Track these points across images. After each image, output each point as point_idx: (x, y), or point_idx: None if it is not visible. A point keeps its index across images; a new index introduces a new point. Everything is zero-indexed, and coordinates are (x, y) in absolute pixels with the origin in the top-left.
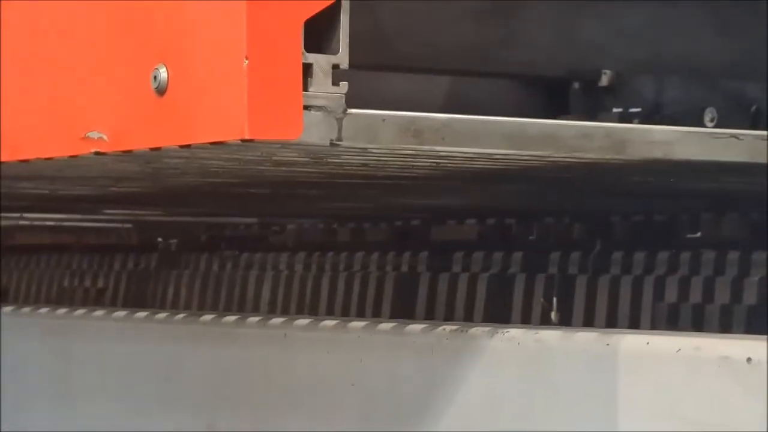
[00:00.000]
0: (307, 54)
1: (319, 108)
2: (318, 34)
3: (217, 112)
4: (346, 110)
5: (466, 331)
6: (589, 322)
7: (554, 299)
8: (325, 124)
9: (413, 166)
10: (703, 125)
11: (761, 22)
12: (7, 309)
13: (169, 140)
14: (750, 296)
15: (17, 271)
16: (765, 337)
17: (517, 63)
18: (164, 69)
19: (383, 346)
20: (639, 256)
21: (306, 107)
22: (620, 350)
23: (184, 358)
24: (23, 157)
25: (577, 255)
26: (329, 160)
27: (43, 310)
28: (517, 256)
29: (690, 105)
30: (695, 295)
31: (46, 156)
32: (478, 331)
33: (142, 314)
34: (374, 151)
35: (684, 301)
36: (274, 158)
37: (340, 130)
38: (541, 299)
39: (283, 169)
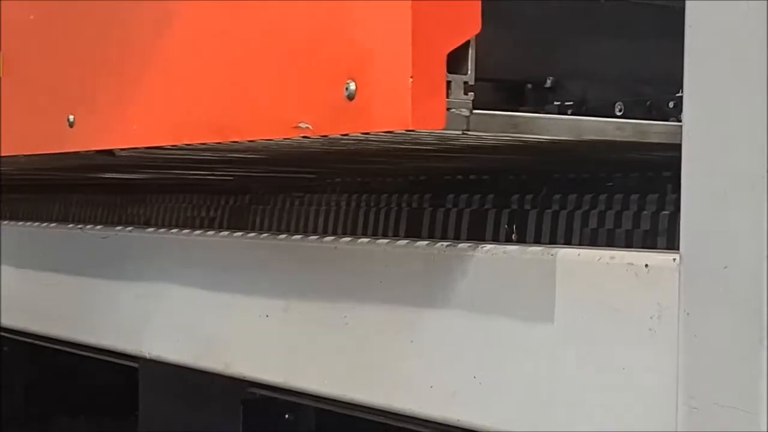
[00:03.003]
0: (448, 74)
1: (455, 110)
2: (454, 60)
3: (390, 111)
4: (472, 111)
5: (456, 245)
6: (537, 241)
7: (514, 226)
8: (459, 120)
9: (493, 146)
10: (614, 115)
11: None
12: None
13: (355, 129)
14: (645, 224)
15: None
16: (657, 251)
17: (490, 70)
18: (353, 83)
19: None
20: (571, 198)
21: (447, 109)
22: (559, 258)
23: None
24: (249, 137)
25: (530, 197)
26: (458, 142)
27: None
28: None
29: (605, 100)
30: (609, 223)
31: (267, 137)
32: (465, 245)
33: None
34: (486, 136)
35: (601, 226)
36: (419, 140)
37: (468, 123)
38: (506, 226)
39: (418, 146)
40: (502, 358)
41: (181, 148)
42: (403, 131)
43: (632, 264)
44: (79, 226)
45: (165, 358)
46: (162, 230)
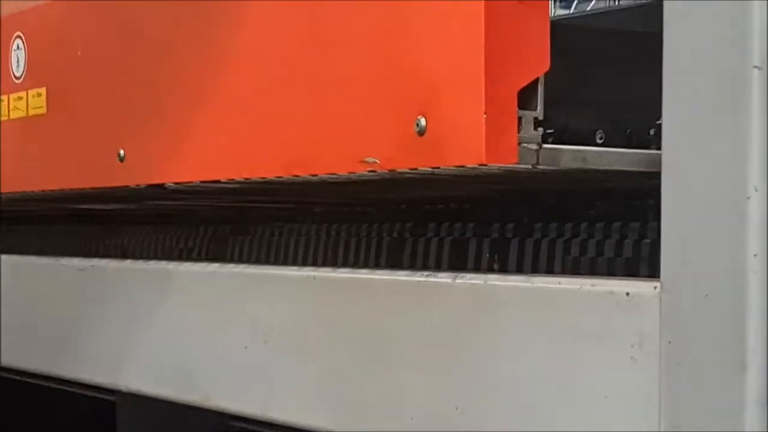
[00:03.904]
0: (519, 110)
1: (526, 145)
2: (524, 97)
3: (462, 146)
4: (541, 146)
5: (436, 275)
6: (519, 270)
7: (495, 256)
8: (530, 155)
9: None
10: (595, 143)
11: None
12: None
13: (425, 164)
14: (628, 252)
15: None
16: (639, 279)
17: None
18: (424, 119)
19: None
20: (552, 226)
21: (519, 144)
22: (540, 287)
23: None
24: (314, 172)
25: (512, 225)
26: (527, 176)
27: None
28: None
29: (587, 128)
30: (590, 251)
31: (332, 172)
32: (445, 275)
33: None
34: (550, 170)
35: (583, 254)
36: (488, 174)
37: (537, 157)
38: (487, 255)
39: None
40: (483, 388)
41: (238, 182)
42: (475, 166)
43: (613, 292)
44: (56, 258)
45: (143, 391)
46: (140, 261)
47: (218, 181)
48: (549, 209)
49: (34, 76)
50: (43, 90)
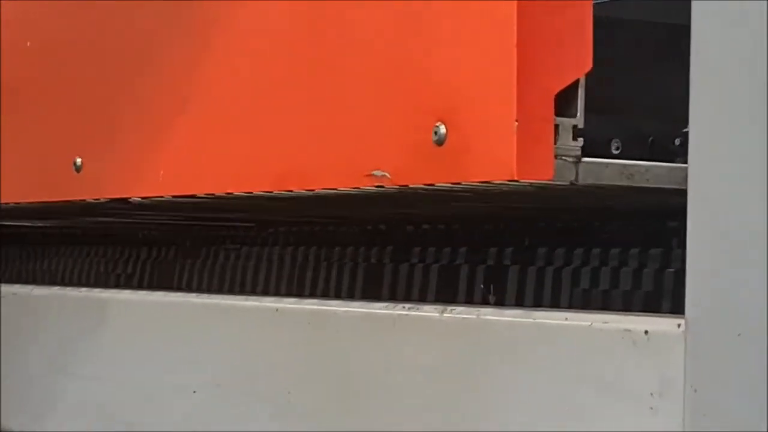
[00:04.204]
0: (556, 117)
1: (564, 158)
2: (561, 101)
3: (487, 158)
4: (581, 159)
5: (421, 308)
6: (519, 303)
7: (491, 286)
8: (567, 169)
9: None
10: (611, 154)
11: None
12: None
13: (443, 179)
14: (647, 284)
15: None
16: (658, 315)
17: None
18: (443, 126)
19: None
20: (559, 252)
21: (555, 156)
22: (543, 323)
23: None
24: (312, 186)
25: (510, 250)
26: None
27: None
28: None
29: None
30: (603, 282)
31: (333, 187)
32: (431, 308)
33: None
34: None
35: (595, 286)
36: (516, 191)
37: (577, 173)
38: (481, 285)
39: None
40: None
41: (219, 197)
42: (504, 182)
43: (630, 330)
44: None
45: None
46: (70, 288)
47: (195, 196)
48: (554, 231)
49: None
50: None
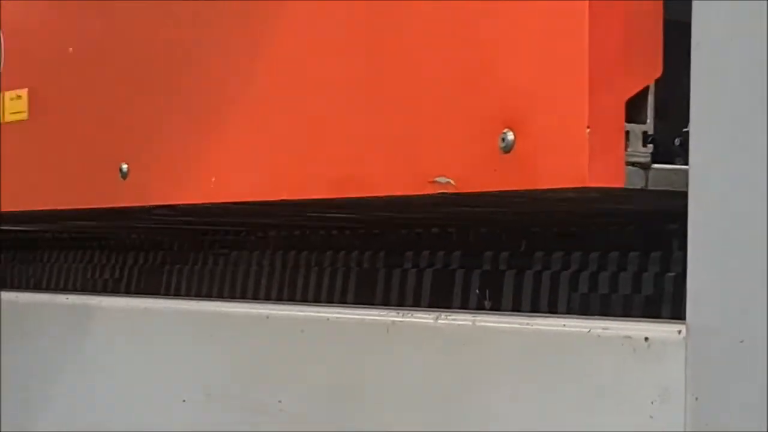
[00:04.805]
0: (626, 124)
1: (634, 164)
2: (632, 108)
3: (558, 165)
4: (651, 165)
5: (415, 314)
6: (516, 309)
7: (487, 291)
8: (638, 176)
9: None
10: None
11: None
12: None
13: (511, 185)
14: (647, 289)
15: None
16: (659, 320)
17: None
18: (511, 133)
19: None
20: (557, 255)
21: (627, 163)
22: (540, 330)
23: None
24: (373, 193)
25: (506, 255)
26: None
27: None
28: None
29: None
30: (602, 287)
31: (395, 194)
32: (425, 314)
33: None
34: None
35: (593, 291)
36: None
37: (647, 179)
38: (477, 290)
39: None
40: None
41: (274, 204)
42: (572, 187)
43: (630, 337)
44: None
45: None
46: (57, 294)
47: (248, 203)
48: (550, 235)
49: (12, 75)
50: (24, 92)
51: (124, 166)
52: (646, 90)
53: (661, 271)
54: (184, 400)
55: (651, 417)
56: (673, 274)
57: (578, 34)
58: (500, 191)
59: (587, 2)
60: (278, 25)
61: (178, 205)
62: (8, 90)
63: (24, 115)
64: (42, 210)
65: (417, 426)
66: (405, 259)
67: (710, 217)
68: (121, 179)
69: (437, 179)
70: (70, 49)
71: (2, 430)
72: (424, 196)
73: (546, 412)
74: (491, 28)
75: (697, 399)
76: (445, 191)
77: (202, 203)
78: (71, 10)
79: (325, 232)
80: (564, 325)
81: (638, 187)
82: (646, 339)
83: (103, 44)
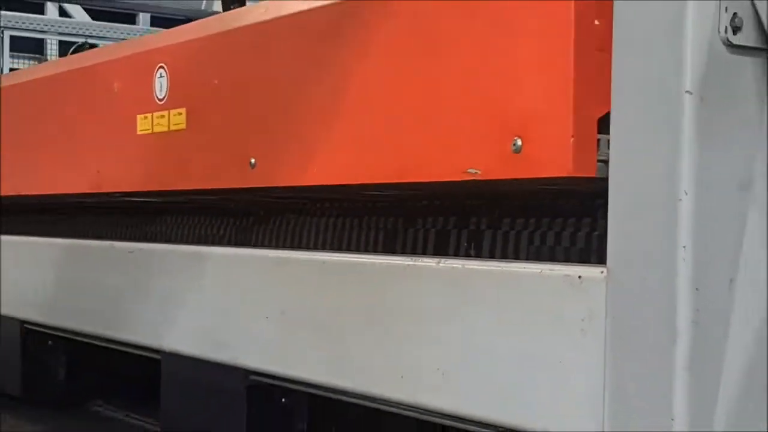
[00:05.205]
0: (598, 135)
1: (602, 161)
2: (600, 124)
3: (553, 161)
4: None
5: (420, 259)
6: (491, 256)
7: (472, 243)
8: (604, 169)
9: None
10: None
11: None
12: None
13: (520, 175)
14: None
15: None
16: (589, 264)
17: None
18: (520, 140)
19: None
20: (520, 221)
21: (598, 160)
22: (508, 270)
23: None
24: (424, 179)
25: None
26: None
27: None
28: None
29: None
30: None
31: (440, 179)
32: (428, 259)
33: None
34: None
35: (544, 244)
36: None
37: (607, 171)
38: (464, 243)
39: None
40: (459, 354)
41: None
42: (562, 177)
43: (569, 275)
44: (110, 242)
45: (182, 351)
46: (179, 246)
47: (341, 185)
48: (517, 207)
49: (175, 99)
50: (183, 110)
51: (253, 160)
52: (608, 112)
53: (590, 230)
54: (267, 317)
55: (582, 330)
56: (598, 232)
57: (566, 77)
58: (512, 179)
59: (572, 51)
60: (363, 65)
61: (293, 186)
62: (173, 108)
63: (183, 126)
64: (192, 189)
65: (426, 329)
66: (416, 222)
67: (624, 197)
68: (250, 169)
69: (469, 170)
70: (216, 80)
71: (146, 339)
72: (459, 181)
73: (513, 326)
74: (509, 68)
75: (613, 318)
76: (474, 179)
77: (309, 185)
78: (216, 51)
79: (361, 204)
80: (525, 267)
81: (604, 176)
82: (580, 277)
83: (238, 78)
